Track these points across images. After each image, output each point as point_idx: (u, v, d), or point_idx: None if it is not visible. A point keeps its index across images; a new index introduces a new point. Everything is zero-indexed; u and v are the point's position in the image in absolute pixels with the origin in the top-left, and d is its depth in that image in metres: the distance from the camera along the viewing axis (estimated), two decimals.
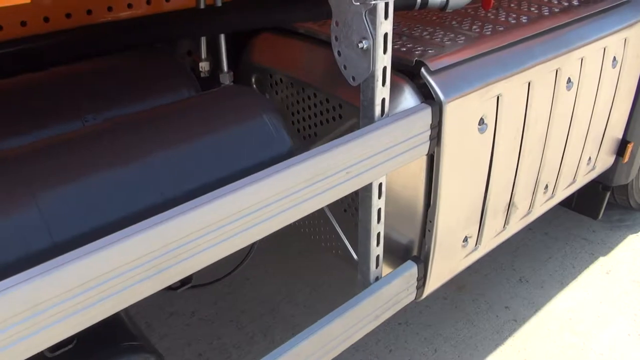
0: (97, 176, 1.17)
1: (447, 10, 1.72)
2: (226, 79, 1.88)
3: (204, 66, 1.91)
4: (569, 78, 1.94)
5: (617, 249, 2.97)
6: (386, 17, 1.30)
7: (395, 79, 1.56)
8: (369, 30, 1.30)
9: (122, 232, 1.00)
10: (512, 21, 1.85)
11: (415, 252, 1.77)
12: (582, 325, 2.48)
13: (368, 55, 1.32)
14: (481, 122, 1.65)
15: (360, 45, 1.31)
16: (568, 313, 2.55)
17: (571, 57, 1.89)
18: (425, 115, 1.48)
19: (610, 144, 2.41)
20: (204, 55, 1.91)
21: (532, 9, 1.97)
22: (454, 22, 1.84)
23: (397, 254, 1.79)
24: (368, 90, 1.38)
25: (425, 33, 1.75)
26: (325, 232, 1.91)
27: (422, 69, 1.53)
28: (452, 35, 1.72)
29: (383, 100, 1.40)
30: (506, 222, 2.01)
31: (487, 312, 2.57)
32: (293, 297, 2.65)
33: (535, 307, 2.60)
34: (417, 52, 1.59)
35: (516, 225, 2.08)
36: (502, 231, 2.02)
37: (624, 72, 2.20)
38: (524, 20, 1.85)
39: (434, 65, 1.53)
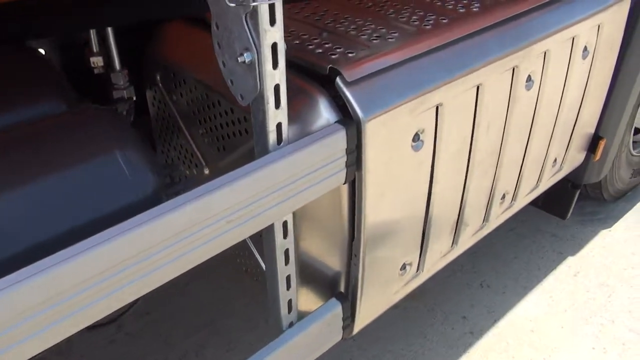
0: None
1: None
2: (119, 79, 1.55)
3: (96, 61, 1.58)
4: (529, 76, 1.62)
5: (588, 246, 2.71)
6: (273, 22, 0.98)
7: (310, 90, 1.25)
8: (251, 40, 0.99)
9: None
10: (461, 10, 1.52)
11: (342, 288, 1.50)
12: (544, 338, 2.24)
13: (253, 70, 1.01)
14: (416, 138, 1.35)
15: (240, 58, 1.00)
16: (530, 323, 2.32)
17: (532, 52, 1.57)
18: (338, 140, 1.17)
19: (580, 140, 2.12)
20: (95, 48, 1.57)
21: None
22: (391, 12, 1.51)
23: (321, 289, 1.51)
24: (258, 113, 1.07)
25: (352, 27, 1.42)
26: (244, 255, 1.63)
27: (337, 79, 1.22)
28: (383, 30, 1.39)
29: (279, 125, 1.09)
30: (454, 241, 1.73)
31: (443, 323, 2.33)
32: (230, 308, 2.40)
33: (494, 317, 2.36)
34: (334, 56, 1.27)
35: (467, 242, 1.81)
36: (450, 251, 1.75)
37: (597, 63, 1.89)
38: (475, 10, 1.52)
39: (351, 74, 1.22)
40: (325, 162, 1.17)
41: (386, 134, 1.26)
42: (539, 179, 2.00)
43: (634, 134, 2.73)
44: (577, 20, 1.69)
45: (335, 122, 1.19)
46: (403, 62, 1.30)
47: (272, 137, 1.08)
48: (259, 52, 0.98)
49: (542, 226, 2.81)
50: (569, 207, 2.41)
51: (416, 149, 1.36)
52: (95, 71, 1.59)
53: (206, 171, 1.61)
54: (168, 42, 1.59)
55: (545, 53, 1.63)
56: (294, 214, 1.24)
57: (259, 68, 1.00)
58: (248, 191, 1.05)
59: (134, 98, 1.62)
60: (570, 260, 2.63)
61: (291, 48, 1.33)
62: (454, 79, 1.36)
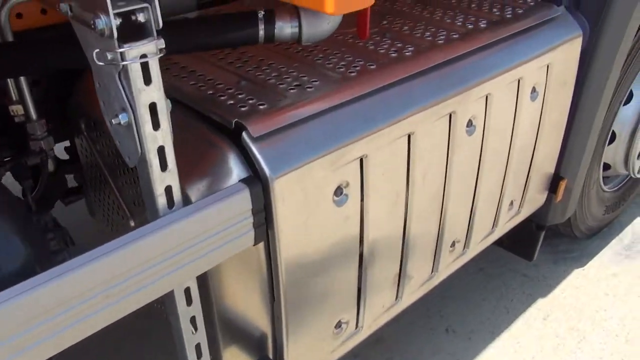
0: None
1: (304, 44, 1.32)
2: (35, 129, 1.47)
3: (16, 110, 1.50)
4: (470, 121, 1.54)
5: (559, 287, 2.59)
6: (148, 81, 0.89)
7: (220, 145, 1.16)
8: (126, 100, 0.91)
9: None
10: (393, 54, 1.44)
11: (269, 351, 1.39)
12: None
13: (132, 132, 0.93)
14: (338, 192, 1.26)
15: (115, 120, 0.92)
16: None
17: (470, 97, 1.49)
18: (241, 200, 1.08)
19: (539, 182, 2.02)
20: (14, 96, 1.50)
21: (427, 34, 1.57)
22: (319, 57, 1.43)
23: (248, 351, 1.40)
24: (144, 175, 0.99)
25: (273, 75, 1.34)
26: None
27: (244, 134, 1.13)
28: (305, 78, 1.32)
29: (168, 188, 1.00)
30: (398, 295, 1.62)
31: None
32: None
33: None
34: (244, 108, 1.19)
35: (415, 294, 1.70)
36: (394, 305, 1.64)
37: (549, 103, 1.81)
38: (408, 54, 1.45)
39: (257, 128, 1.13)
40: (227, 224, 1.07)
41: (301, 190, 1.17)
42: (495, 223, 1.90)
43: (604, 170, 2.64)
44: (521, 62, 1.62)
45: (240, 181, 1.10)
46: (319, 113, 1.22)
47: (160, 201, 0.99)
48: (135, 113, 0.90)
49: (513, 266, 2.69)
50: (535, 248, 2.30)
51: (340, 203, 1.27)
52: (16, 119, 1.52)
53: (132, 223, 1.52)
54: (88, 91, 1.51)
55: (486, 97, 1.55)
56: (209, 273, 1.15)
57: (137, 129, 0.92)
58: (133, 260, 0.96)
59: (53, 149, 1.54)
60: (540, 303, 2.51)
61: (204, 99, 1.25)
62: (379, 129, 1.28)
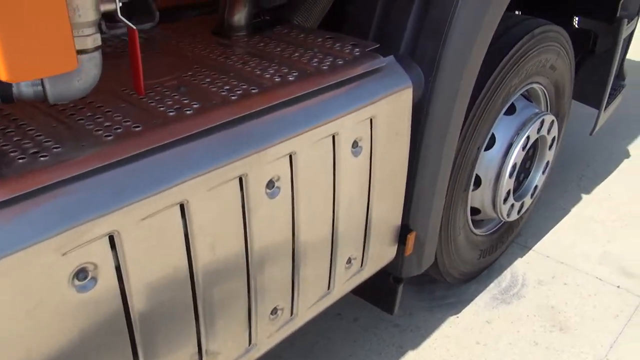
0: None
1: (52, 104, 1.16)
2: None
3: None
4: (271, 182, 1.40)
5: (431, 337, 2.47)
6: None
7: None
8: None
9: None
10: (172, 113, 1.29)
11: None
12: None
13: None
14: (82, 276, 1.09)
15: None
16: None
17: (266, 157, 1.35)
18: None
19: (383, 235, 1.90)
20: None
21: (226, 88, 1.42)
22: (82, 117, 1.26)
23: None
24: None
25: (16, 139, 1.16)
26: None
27: None
28: (50, 142, 1.14)
29: None
30: None
31: None
32: None
33: None
34: None
35: None
36: None
37: (379, 157, 1.70)
38: (189, 111, 1.30)
39: None
40: None
41: (19, 281, 0.99)
42: (330, 285, 1.75)
43: (476, 214, 2.57)
44: (336, 116, 1.50)
45: None
46: (51, 187, 1.04)
47: None
48: None
49: (387, 315, 2.56)
50: (394, 301, 2.17)
51: (84, 289, 1.09)
52: None
53: None
54: None
55: (290, 156, 1.42)
56: None
57: None
58: None
59: None
60: (410, 355, 2.37)
61: None
62: (133, 202, 1.11)
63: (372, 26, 1.89)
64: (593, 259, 2.91)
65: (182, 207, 1.21)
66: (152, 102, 1.32)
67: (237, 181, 1.30)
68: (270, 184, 1.39)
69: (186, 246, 1.25)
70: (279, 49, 1.69)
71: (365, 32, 1.91)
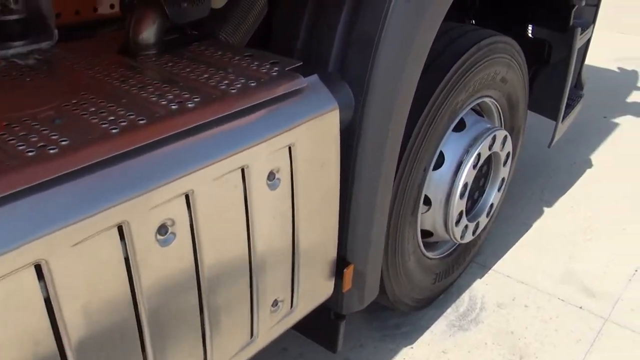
0: None
1: None
2: None
3: None
4: (164, 227, 1.20)
5: None
6: None
7: None
8: None
9: None
10: (31, 153, 1.08)
11: None
12: None
13: None
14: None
15: None
16: None
17: (152, 199, 1.16)
18: None
19: (317, 271, 1.71)
20: None
21: (110, 119, 1.21)
22: None
23: None
24: None
25: None
26: None
27: None
28: None
29: None
30: None
31: None
32: None
33: None
34: None
35: None
36: None
37: (302, 188, 1.51)
38: (53, 151, 1.08)
39: None
40: None
41: None
42: (254, 332, 1.55)
43: (429, 237, 2.40)
44: (240, 148, 1.30)
45: None
46: None
47: None
48: None
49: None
50: (337, 339, 1.98)
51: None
52: None
53: None
54: None
55: (186, 195, 1.22)
56: None
57: None
58: None
59: None
60: None
61: None
62: None
63: (298, 42, 1.71)
64: (555, 277, 2.76)
65: (37, 268, 1.00)
66: (12, 140, 1.11)
67: (115, 230, 1.10)
68: (163, 230, 1.19)
69: (47, 314, 1.04)
70: (187, 70, 1.50)
71: (291, 48, 1.73)
